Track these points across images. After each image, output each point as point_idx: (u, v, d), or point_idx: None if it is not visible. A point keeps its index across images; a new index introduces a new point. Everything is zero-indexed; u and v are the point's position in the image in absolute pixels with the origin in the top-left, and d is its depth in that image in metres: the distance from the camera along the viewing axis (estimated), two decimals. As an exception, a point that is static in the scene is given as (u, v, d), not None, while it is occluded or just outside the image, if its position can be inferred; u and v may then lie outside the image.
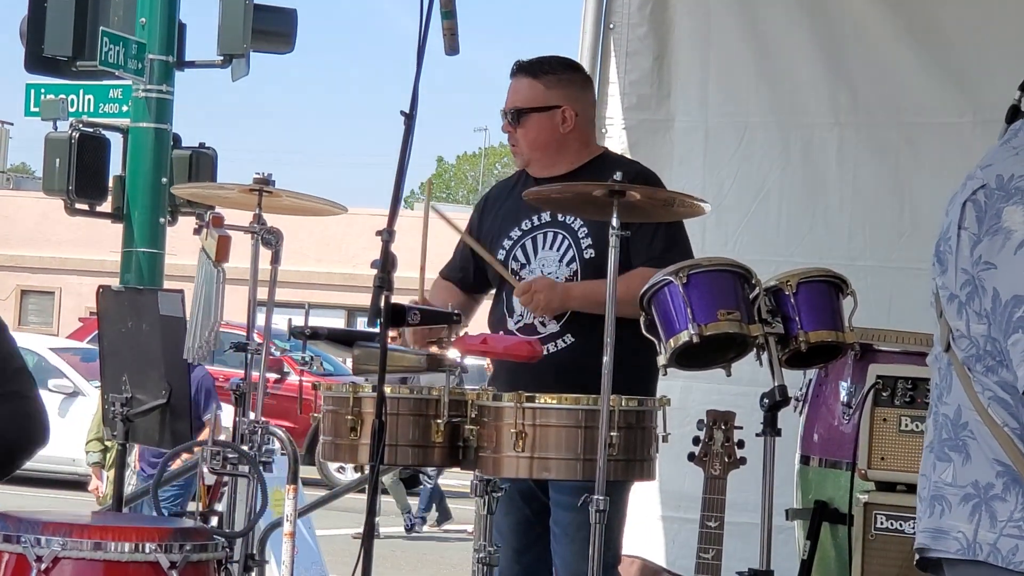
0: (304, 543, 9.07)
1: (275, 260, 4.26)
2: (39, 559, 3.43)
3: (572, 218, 4.54)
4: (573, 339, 4.51)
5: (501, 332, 4.58)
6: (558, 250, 4.56)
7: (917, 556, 2.76)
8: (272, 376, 16.40)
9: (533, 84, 4.63)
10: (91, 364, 15.52)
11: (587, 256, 4.52)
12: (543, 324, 4.54)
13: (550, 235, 4.58)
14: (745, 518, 4.65)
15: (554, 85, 4.64)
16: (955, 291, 2.70)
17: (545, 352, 4.43)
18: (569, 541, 4.48)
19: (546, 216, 4.59)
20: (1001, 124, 2.84)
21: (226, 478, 4.20)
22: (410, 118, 3.77)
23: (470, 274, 4.80)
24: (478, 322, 4.75)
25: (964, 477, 2.69)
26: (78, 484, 13.48)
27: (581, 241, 4.53)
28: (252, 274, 4.30)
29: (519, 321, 4.58)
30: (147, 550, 3.45)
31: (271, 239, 4.23)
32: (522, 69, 4.67)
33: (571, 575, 4.49)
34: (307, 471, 14.96)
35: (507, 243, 4.64)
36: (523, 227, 4.62)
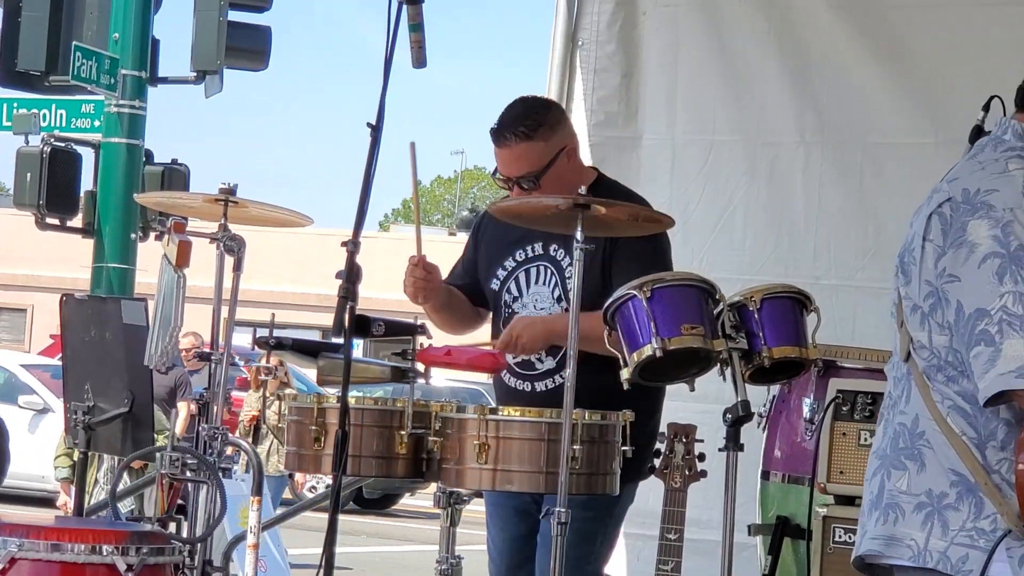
0: (272, 559, 9.07)
1: (237, 267, 4.26)
2: (-5, 559, 3.42)
3: (559, 251, 4.50)
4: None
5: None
6: (547, 285, 4.55)
7: (861, 562, 2.78)
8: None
9: (533, 145, 4.51)
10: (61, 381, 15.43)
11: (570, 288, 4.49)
12: (540, 360, 4.52)
13: (541, 269, 4.56)
14: (709, 535, 4.66)
15: (549, 135, 4.54)
16: (918, 302, 2.73)
17: (544, 388, 4.47)
18: (547, 551, 4.48)
19: (538, 248, 4.56)
20: (964, 144, 2.88)
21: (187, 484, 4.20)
22: (377, 130, 3.79)
23: (472, 288, 4.75)
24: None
25: (918, 486, 2.71)
26: (47, 501, 13.42)
27: (565, 272, 4.49)
28: (217, 283, 4.31)
29: (517, 356, 4.54)
30: (104, 552, 3.45)
31: (233, 246, 4.23)
32: (515, 135, 4.51)
33: None
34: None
35: (501, 273, 4.63)
36: (517, 258, 4.60)
